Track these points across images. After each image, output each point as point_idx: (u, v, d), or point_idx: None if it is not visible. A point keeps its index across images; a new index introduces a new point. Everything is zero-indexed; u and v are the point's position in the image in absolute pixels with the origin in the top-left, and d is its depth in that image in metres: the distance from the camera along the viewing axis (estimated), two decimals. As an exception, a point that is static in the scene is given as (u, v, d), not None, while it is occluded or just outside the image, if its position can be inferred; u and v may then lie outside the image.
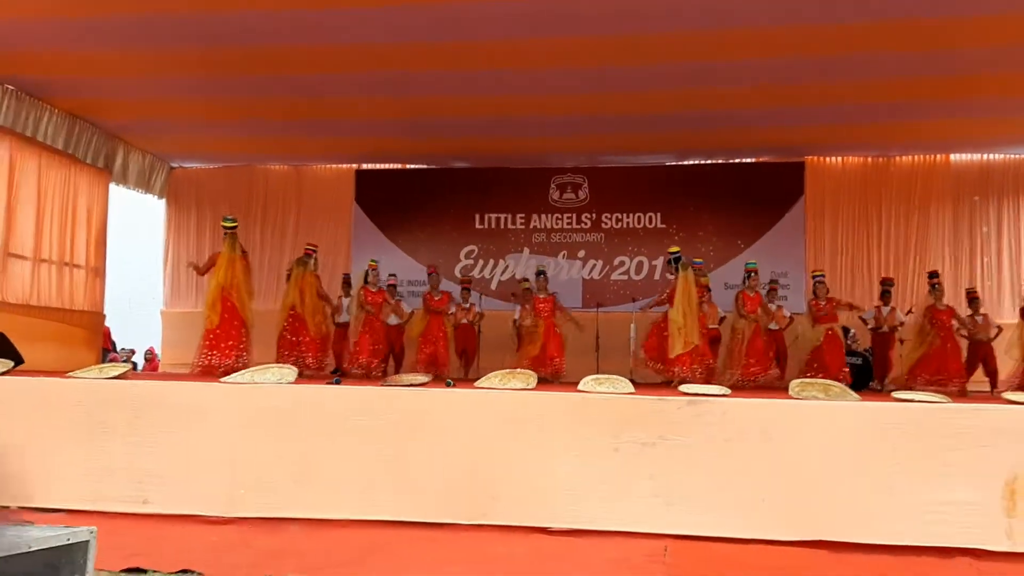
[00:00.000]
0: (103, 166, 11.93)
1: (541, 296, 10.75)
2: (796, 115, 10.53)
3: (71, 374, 6.39)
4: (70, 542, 1.57)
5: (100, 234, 11.91)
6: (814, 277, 10.65)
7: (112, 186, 12.26)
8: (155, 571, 4.37)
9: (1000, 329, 10.18)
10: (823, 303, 10.21)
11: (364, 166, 13.44)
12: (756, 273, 10.31)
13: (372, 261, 11.04)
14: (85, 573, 1.60)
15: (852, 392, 5.86)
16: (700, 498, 5.27)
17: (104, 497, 5.70)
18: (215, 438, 5.69)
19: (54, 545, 1.53)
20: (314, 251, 10.74)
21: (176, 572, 4.36)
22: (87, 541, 1.61)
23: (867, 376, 10.42)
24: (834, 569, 4.68)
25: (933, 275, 10.48)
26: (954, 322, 10.12)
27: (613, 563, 4.79)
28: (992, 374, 10.02)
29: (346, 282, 11.49)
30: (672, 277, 9.75)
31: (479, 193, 13.10)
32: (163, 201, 13.78)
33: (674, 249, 9.87)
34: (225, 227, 9.61)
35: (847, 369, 9.97)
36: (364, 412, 5.65)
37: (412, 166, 13.37)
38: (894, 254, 12.29)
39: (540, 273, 11.04)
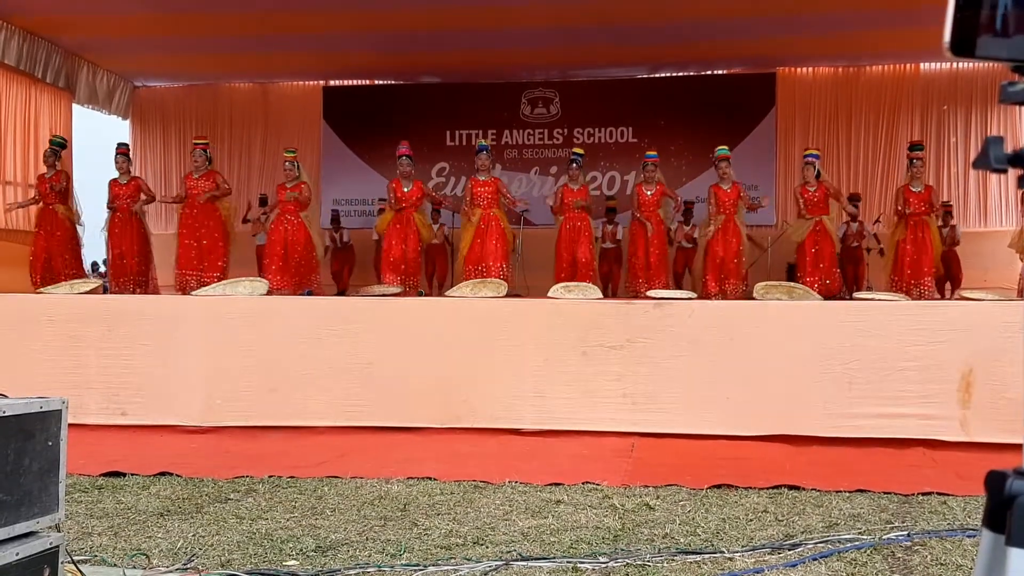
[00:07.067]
0: (64, 86, 11.65)
1: (481, 179, 8.69)
2: (768, 24, 10.41)
3: (41, 290, 6.40)
4: (43, 410, 1.63)
5: (65, 154, 11.68)
6: (806, 157, 9.00)
7: (76, 108, 11.99)
8: (134, 474, 4.47)
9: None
10: (813, 189, 8.49)
11: (332, 83, 13.23)
12: (728, 162, 8.83)
13: (288, 152, 9.48)
14: (59, 440, 1.67)
15: (815, 294, 6.01)
16: (666, 398, 5.43)
17: (82, 410, 5.77)
18: (190, 350, 5.75)
19: (27, 412, 1.59)
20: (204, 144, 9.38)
21: (155, 475, 4.46)
22: (60, 410, 1.68)
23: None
24: (793, 459, 4.87)
25: (915, 147, 8.83)
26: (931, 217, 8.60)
27: (582, 459, 4.95)
28: (955, 280, 9.74)
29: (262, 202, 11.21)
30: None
31: (449, 109, 12.91)
32: (128, 122, 13.52)
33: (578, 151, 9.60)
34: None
35: (837, 270, 8.20)
36: (336, 322, 5.72)
37: (380, 82, 13.18)
38: (863, 166, 12.35)
39: (482, 149, 8.94)
